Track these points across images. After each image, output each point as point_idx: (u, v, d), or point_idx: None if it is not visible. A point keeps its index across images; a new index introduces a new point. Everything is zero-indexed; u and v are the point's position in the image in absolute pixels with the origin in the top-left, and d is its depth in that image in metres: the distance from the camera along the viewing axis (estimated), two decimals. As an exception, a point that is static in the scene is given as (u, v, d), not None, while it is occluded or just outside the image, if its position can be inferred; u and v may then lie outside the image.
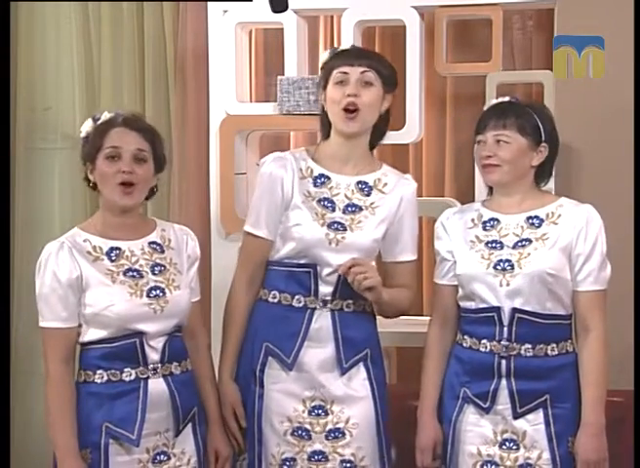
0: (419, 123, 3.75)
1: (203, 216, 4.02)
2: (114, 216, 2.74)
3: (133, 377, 2.67)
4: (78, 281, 2.66)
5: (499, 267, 2.79)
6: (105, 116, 2.75)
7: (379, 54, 3.14)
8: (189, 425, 2.77)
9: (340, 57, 2.92)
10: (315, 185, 2.91)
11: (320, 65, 2.99)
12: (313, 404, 2.86)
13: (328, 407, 2.86)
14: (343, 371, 2.87)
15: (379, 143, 3.02)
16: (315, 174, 2.92)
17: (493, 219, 2.86)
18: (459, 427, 2.83)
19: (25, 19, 4.16)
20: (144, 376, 2.68)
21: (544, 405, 2.77)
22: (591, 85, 3.44)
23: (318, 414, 2.86)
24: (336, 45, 3.93)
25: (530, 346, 2.77)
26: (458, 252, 2.86)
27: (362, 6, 3.76)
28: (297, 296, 2.88)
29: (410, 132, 3.74)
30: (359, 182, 2.92)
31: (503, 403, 2.78)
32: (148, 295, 2.69)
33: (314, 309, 2.87)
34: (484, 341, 2.79)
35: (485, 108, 2.94)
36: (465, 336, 2.84)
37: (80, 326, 2.68)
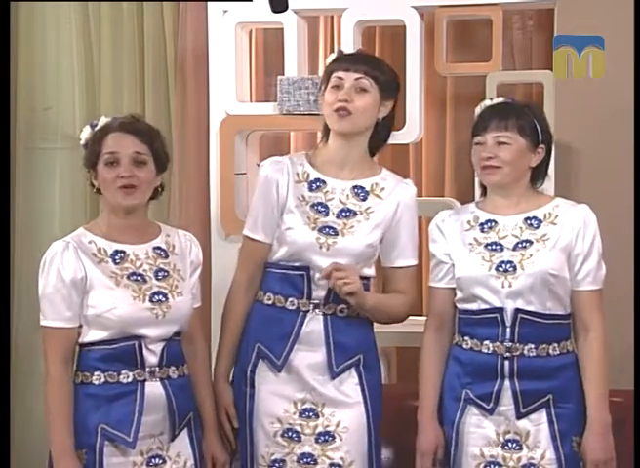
0: (418, 123, 3.75)
1: (203, 217, 4.02)
2: (119, 218, 2.74)
3: (130, 380, 2.68)
4: (82, 281, 2.67)
5: (500, 269, 2.78)
6: (102, 121, 2.76)
7: (379, 59, 3.11)
8: (185, 429, 2.77)
9: (340, 61, 2.92)
10: (311, 190, 2.92)
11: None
12: (304, 406, 2.86)
13: (319, 409, 2.86)
14: (334, 376, 2.86)
15: (380, 150, 3.02)
16: (311, 178, 2.92)
17: (490, 221, 2.86)
18: (462, 429, 2.82)
19: (25, 19, 4.16)
20: (142, 379, 2.69)
21: (547, 404, 2.77)
22: (591, 85, 3.44)
23: (309, 417, 2.86)
24: (336, 45, 3.94)
25: (533, 346, 2.77)
26: (456, 254, 2.85)
27: (362, 6, 3.76)
28: (290, 299, 2.88)
29: (410, 132, 3.74)
30: (355, 187, 2.92)
31: (507, 403, 2.78)
32: (151, 300, 2.70)
33: (307, 312, 2.87)
34: (486, 342, 2.79)
35: (478, 110, 2.92)
36: (466, 338, 2.83)
37: (81, 326, 2.68)
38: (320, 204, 2.90)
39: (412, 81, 3.72)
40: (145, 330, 2.68)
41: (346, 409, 2.86)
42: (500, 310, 2.77)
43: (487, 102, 2.94)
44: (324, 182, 2.92)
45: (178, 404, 2.72)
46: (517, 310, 2.76)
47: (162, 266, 2.76)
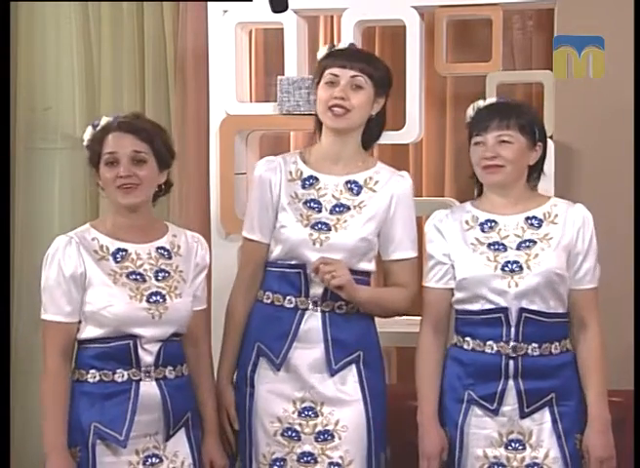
0: (418, 123, 3.75)
1: (203, 216, 4.02)
2: (123, 217, 2.75)
3: (125, 379, 2.68)
4: (82, 277, 2.68)
5: (506, 269, 2.78)
6: (103, 121, 2.77)
7: (373, 55, 3.12)
8: (182, 429, 2.76)
9: (334, 57, 2.91)
10: (304, 187, 2.92)
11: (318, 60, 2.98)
12: (303, 405, 2.86)
13: (318, 408, 2.86)
14: (333, 373, 2.86)
15: (373, 145, 3.02)
16: (304, 176, 2.93)
17: (490, 221, 2.86)
18: (466, 430, 2.81)
19: (25, 19, 4.16)
20: (137, 378, 2.69)
21: (550, 403, 2.78)
22: (591, 85, 3.44)
23: (308, 416, 2.86)
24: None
25: (536, 345, 2.77)
26: (457, 255, 2.84)
27: (362, 6, 3.76)
28: (288, 297, 2.88)
29: (410, 132, 3.74)
30: (348, 182, 2.92)
31: (511, 403, 2.78)
32: (148, 300, 2.70)
33: (305, 310, 2.87)
34: (490, 343, 2.78)
35: (471, 111, 2.91)
36: (467, 338, 2.82)
37: (80, 322, 2.69)
38: (313, 200, 2.90)
39: (412, 81, 3.72)
40: (141, 329, 2.68)
41: (345, 407, 2.86)
42: (505, 310, 2.77)
43: (480, 103, 2.93)
44: (317, 179, 2.92)
45: (173, 404, 2.72)
46: (522, 309, 2.76)
47: (163, 267, 2.76)
